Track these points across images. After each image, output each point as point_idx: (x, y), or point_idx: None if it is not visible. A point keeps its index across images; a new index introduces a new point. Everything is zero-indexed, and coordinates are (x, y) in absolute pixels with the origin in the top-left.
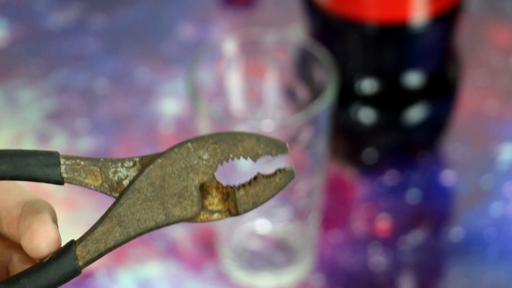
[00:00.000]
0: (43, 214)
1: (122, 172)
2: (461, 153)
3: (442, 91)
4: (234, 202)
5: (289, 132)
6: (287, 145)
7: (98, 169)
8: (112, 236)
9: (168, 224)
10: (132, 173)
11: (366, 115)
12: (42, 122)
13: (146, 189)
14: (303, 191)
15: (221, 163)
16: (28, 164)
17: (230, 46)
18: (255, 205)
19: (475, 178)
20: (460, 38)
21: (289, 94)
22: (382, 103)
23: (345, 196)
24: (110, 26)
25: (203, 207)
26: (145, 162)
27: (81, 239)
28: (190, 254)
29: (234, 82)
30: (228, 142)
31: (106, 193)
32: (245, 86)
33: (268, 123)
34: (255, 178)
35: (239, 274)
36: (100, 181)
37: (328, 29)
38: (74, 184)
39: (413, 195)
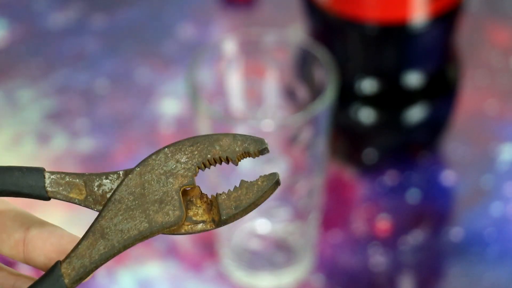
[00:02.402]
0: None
1: (107, 185)
2: (461, 153)
3: (442, 91)
4: (218, 210)
5: (289, 132)
6: (265, 140)
7: (83, 183)
8: (96, 250)
9: (152, 233)
10: (116, 185)
11: (366, 115)
12: (42, 122)
13: (127, 198)
14: (303, 191)
15: (200, 165)
16: (12, 177)
17: (230, 46)
18: (237, 208)
19: (475, 178)
20: (460, 38)
21: (289, 94)
22: (382, 103)
23: (345, 196)
24: (110, 26)
25: (187, 218)
26: (129, 173)
27: (66, 257)
28: (190, 254)
29: (234, 82)
30: (205, 143)
31: (90, 207)
32: (245, 86)
33: (268, 123)
34: (239, 184)
35: (239, 274)
36: (85, 195)
37: (328, 29)
38: (59, 198)
39: (413, 195)
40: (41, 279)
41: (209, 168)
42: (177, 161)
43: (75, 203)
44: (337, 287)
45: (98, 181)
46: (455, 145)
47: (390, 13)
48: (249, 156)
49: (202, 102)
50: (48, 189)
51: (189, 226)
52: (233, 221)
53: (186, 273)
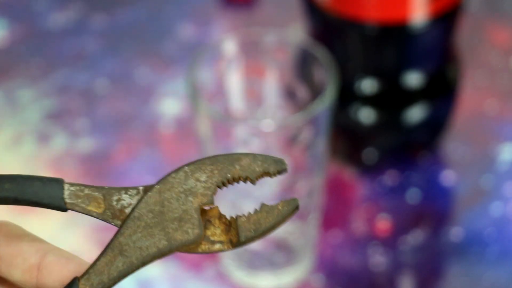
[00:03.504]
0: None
1: (126, 200)
2: (461, 153)
3: (442, 91)
4: (236, 231)
5: (289, 132)
6: (285, 161)
7: (102, 197)
8: (115, 267)
9: (171, 250)
10: (135, 201)
11: (366, 115)
12: (42, 122)
13: (146, 216)
14: (303, 191)
15: (219, 184)
16: (33, 186)
17: (230, 46)
18: (256, 231)
19: (475, 178)
20: (460, 38)
21: (289, 94)
22: (382, 103)
23: (345, 196)
24: (110, 26)
25: (205, 237)
26: (148, 190)
27: (84, 273)
28: (190, 254)
29: (234, 82)
30: (225, 163)
31: (108, 221)
32: (245, 86)
33: (268, 123)
34: (259, 207)
35: (239, 274)
36: (103, 209)
37: (328, 29)
38: (77, 211)
39: (413, 195)
40: None
41: (227, 187)
42: (197, 180)
43: (93, 216)
44: (337, 287)
45: (117, 195)
46: (455, 145)
47: (390, 13)
48: (268, 176)
49: (202, 102)
50: (67, 200)
51: (206, 246)
52: (250, 243)
53: (186, 273)
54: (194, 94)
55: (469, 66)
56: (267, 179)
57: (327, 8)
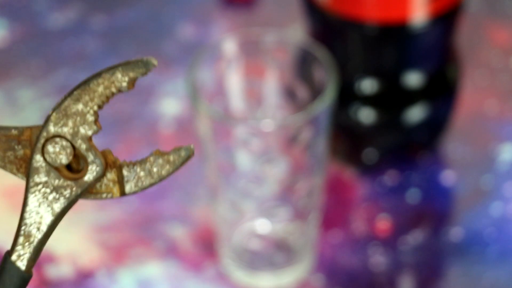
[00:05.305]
0: None
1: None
2: (461, 153)
3: (442, 91)
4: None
5: (289, 132)
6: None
7: None
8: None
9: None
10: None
11: (366, 115)
12: (42, 122)
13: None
14: (303, 191)
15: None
16: None
17: (230, 46)
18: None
19: (475, 178)
20: (460, 38)
21: (289, 94)
22: (382, 103)
23: (345, 196)
24: (110, 26)
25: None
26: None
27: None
28: (190, 254)
29: (234, 82)
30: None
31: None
32: (245, 86)
33: (268, 123)
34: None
35: (239, 274)
36: None
37: (328, 29)
38: None
39: (413, 195)
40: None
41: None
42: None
43: None
44: (337, 287)
45: None
46: (455, 145)
47: (390, 13)
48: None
49: (202, 102)
50: None
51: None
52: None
53: (186, 273)
54: (194, 94)
55: (469, 66)
56: (267, 179)
57: (327, 8)
